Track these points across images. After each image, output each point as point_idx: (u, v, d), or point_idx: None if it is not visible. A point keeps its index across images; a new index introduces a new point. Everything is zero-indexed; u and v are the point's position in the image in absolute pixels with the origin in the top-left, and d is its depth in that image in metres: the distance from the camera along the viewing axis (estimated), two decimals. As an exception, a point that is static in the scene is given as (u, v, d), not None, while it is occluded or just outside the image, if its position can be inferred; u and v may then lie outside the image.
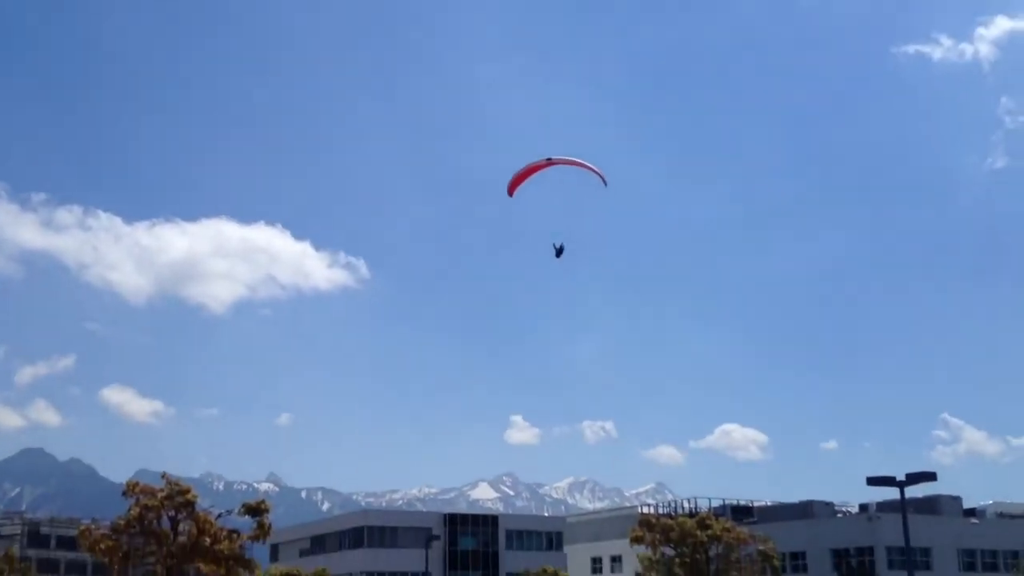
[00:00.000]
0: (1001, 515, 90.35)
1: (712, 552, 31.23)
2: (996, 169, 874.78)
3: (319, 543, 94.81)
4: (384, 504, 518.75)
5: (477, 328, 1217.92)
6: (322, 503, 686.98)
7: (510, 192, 22.65)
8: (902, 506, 26.69)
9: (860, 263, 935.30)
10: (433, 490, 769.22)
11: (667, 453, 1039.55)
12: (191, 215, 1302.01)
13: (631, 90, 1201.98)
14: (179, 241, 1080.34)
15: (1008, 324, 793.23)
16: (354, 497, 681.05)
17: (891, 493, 26.25)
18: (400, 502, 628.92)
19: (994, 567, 75.99)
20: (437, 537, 67.57)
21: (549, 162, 26.65)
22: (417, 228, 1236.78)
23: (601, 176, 27.16)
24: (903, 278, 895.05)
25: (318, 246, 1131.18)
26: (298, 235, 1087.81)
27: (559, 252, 25.23)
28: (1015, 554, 67.81)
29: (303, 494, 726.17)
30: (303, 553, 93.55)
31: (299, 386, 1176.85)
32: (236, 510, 28.38)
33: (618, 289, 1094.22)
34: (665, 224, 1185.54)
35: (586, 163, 27.40)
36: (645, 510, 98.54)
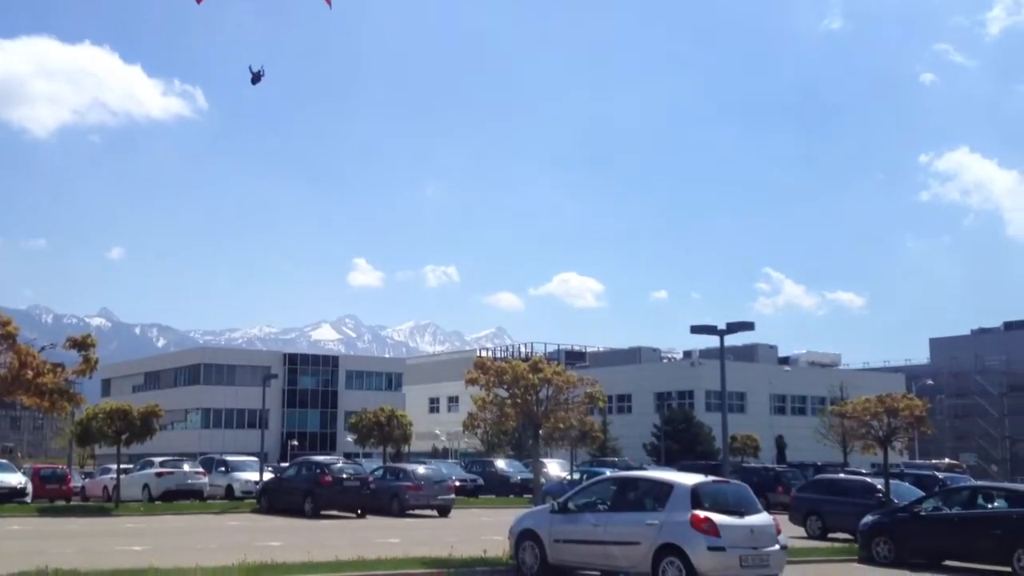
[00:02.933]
0: (812, 363, 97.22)
1: (543, 394, 32.38)
2: (832, 30, 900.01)
3: (153, 379, 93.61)
4: (223, 343, 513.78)
5: (320, 167, 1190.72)
6: (158, 340, 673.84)
7: None
8: (721, 353, 28.11)
9: (695, 117, 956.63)
10: (274, 330, 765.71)
11: (507, 299, 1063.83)
12: (9, 32, 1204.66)
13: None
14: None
15: (830, 186, 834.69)
16: (191, 335, 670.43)
17: (713, 341, 27.57)
18: (239, 341, 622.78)
19: (802, 411, 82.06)
20: (275, 375, 67.58)
21: None
22: (260, 58, 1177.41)
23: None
24: (733, 134, 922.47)
25: (150, 72, 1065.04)
26: (128, 58, 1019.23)
27: (256, 78, 20.82)
28: (822, 399, 73.31)
29: (137, 330, 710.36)
30: (136, 389, 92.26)
31: (132, 219, 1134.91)
32: (62, 343, 27.48)
33: (465, 135, 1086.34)
34: (512, 69, 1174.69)
35: None
36: (483, 354, 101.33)
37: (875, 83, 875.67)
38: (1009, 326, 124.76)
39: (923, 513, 20.94)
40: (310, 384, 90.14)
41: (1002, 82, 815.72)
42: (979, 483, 28.73)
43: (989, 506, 20.56)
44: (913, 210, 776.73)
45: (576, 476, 39.45)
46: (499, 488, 46.74)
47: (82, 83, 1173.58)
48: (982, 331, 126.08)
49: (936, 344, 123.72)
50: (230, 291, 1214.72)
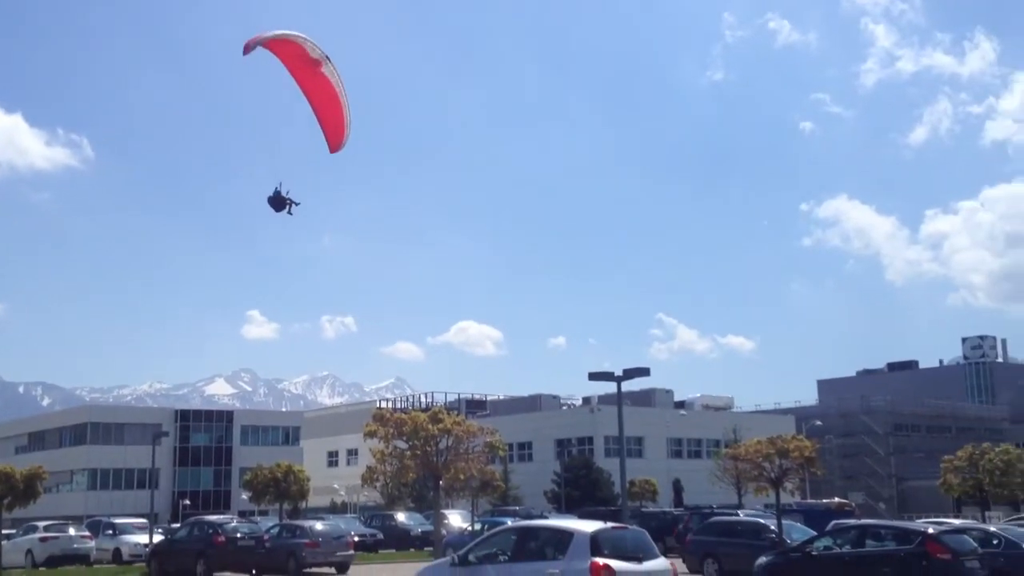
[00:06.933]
0: (706, 407, 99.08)
1: (443, 444, 32.29)
2: (715, 81, 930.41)
3: (38, 439, 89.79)
4: (111, 400, 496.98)
5: (212, 218, 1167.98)
6: (42, 399, 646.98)
7: (247, 49, 17.48)
8: (618, 399, 28.57)
9: (589, 166, 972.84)
10: (165, 386, 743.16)
11: (406, 349, 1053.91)
12: None
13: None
14: None
15: (720, 231, 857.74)
16: (78, 392, 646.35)
17: (612, 386, 28.06)
18: (129, 398, 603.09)
19: (698, 454, 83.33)
20: (166, 433, 65.59)
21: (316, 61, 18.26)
22: (148, 104, 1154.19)
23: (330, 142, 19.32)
24: (627, 184, 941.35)
25: (32, 121, 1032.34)
26: (8, 108, 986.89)
27: (280, 203, 19.01)
28: (717, 442, 74.68)
29: (20, 389, 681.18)
30: (19, 450, 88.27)
31: (15, 273, 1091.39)
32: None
33: (361, 183, 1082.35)
34: (409, 118, 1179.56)
35: (341, 110, 19.19)
36: (384, 404, 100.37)
37: (758, 132, 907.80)
38: (892, 367, 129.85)
39: (815, 553, 21.48)
40: (203, 441, 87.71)
41: (876, 132, 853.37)
42: (868, 522, 29.61)
43: (878, 544, 21.20)
44: (797, 256, 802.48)
45: (477, 527, 39.25)
46: (400, 542, 46.16)
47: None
48: (867, 372, 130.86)
49: (823, 385, 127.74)
50: (119, 347, 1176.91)
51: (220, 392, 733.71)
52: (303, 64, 18.28)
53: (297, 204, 19.35)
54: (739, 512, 37.45)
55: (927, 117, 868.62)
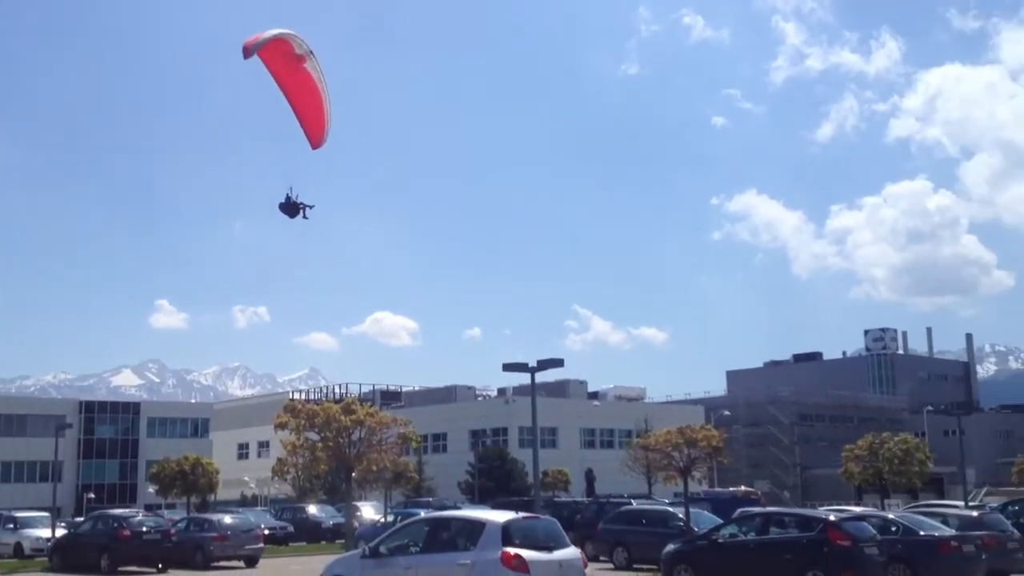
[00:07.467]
0: (619, 397, 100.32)
1: (355, 436, 32.10)
2: (630, 75, 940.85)
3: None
4: (13, 391, 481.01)
5: (117, 203, 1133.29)
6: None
7: (247, 52, 17.07)
8: (532, 389, 28.75)
9: (504, 157, 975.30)
10: (69, 376, 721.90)
11: (321, 339, 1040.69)
12: None
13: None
14: None
15: (634, 224, 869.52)
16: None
17: (526, 378, 28.22)
18: (32, 389, 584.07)
19: (611, 444, 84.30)
20: (70, 425, 63.58)
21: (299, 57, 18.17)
22: (55, 78, 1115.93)
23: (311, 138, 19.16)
24: (542, 175, 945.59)
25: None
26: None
27: (293, 209, 18.99)
28: (629, 432, 75.65)
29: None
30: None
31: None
32: None
33: (274, 168, 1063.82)
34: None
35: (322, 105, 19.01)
36: (296, 396, 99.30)
37: (671, 126, 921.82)
38: (798, 358, 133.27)
39: (721, 540, 21.97)
40: (108, 433, 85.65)
41: (785, 128, 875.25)
42: (772, 509, 30.34)
43: (781, 532, 21.77)
44: (708, 249, 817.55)
45: (390, 518, 39.16)
46: (311, 535, 45.71)
47: None
48: (774, 363, 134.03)
49: (732, 376, 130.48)
50: (21, 336, 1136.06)
51: (127, 383, 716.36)
52: (288, 60, 18.08)
53: (311, 207, 19.11)
54: (632, 501, 37.69)
55: (834, 114, 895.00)
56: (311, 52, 18.24)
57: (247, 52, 16.98)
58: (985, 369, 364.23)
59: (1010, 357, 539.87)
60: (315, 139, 18.97)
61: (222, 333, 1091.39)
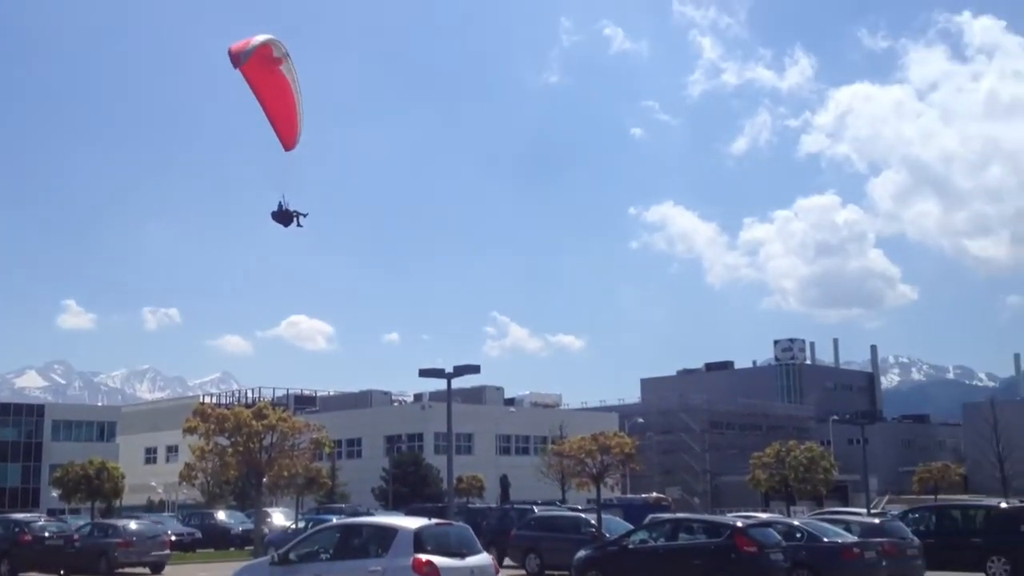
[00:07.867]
0: (535, 404, 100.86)
1: (267, 441, 31.69)
2: (550, 83, 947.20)
3: None
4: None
5: (23, 200, 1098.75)
6: None
7: (236, 61, 16.52)
8: (448, 395, 28.79)
9: (425, 163, 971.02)
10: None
11: (234, 343, 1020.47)
12: None
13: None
14: None
15: (552, 232, 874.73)
16: None
17: (443, 383, 28.25)
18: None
19: (526, 451, 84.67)
20: (-32, 427, 61.80)
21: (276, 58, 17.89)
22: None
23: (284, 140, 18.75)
24: (462, 181, 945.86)
25: None
26: None
27: (287, 218, 18.62)
28: (544, 439, 76.07)
29: None
30: None
31: None
32: None
33: (189, 166, 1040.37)
34: (236, 101, 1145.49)
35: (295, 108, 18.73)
36: (208, 400, 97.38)
37: (591, 136, 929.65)
38: (710, 367, 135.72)
39: (631, 546, 22.28)
40: (10, 436, 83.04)
41: (701, 140, 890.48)
42: (681, 516, 30.80)
43: (690, 538, 22.15)
44: (625, 258, 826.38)
45: (301, 525, 38.71)
46: (219, 541, 44.96)
47: None
48: (686, 372, 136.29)
49: (646, 384, 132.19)
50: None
51: (31, 385, 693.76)
52: (265, 63, 17.81)
53: (305, 215, 18.76)
54: (535, 508, 37.72)
55: (748, 128, 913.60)
56: (287, 55, 18.08)
57: (237, 61, 16.69)
58: (889, 380, 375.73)
59: (913, 368, 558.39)
60: (288, 142, 18.80)
61: (131, 335, 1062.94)
